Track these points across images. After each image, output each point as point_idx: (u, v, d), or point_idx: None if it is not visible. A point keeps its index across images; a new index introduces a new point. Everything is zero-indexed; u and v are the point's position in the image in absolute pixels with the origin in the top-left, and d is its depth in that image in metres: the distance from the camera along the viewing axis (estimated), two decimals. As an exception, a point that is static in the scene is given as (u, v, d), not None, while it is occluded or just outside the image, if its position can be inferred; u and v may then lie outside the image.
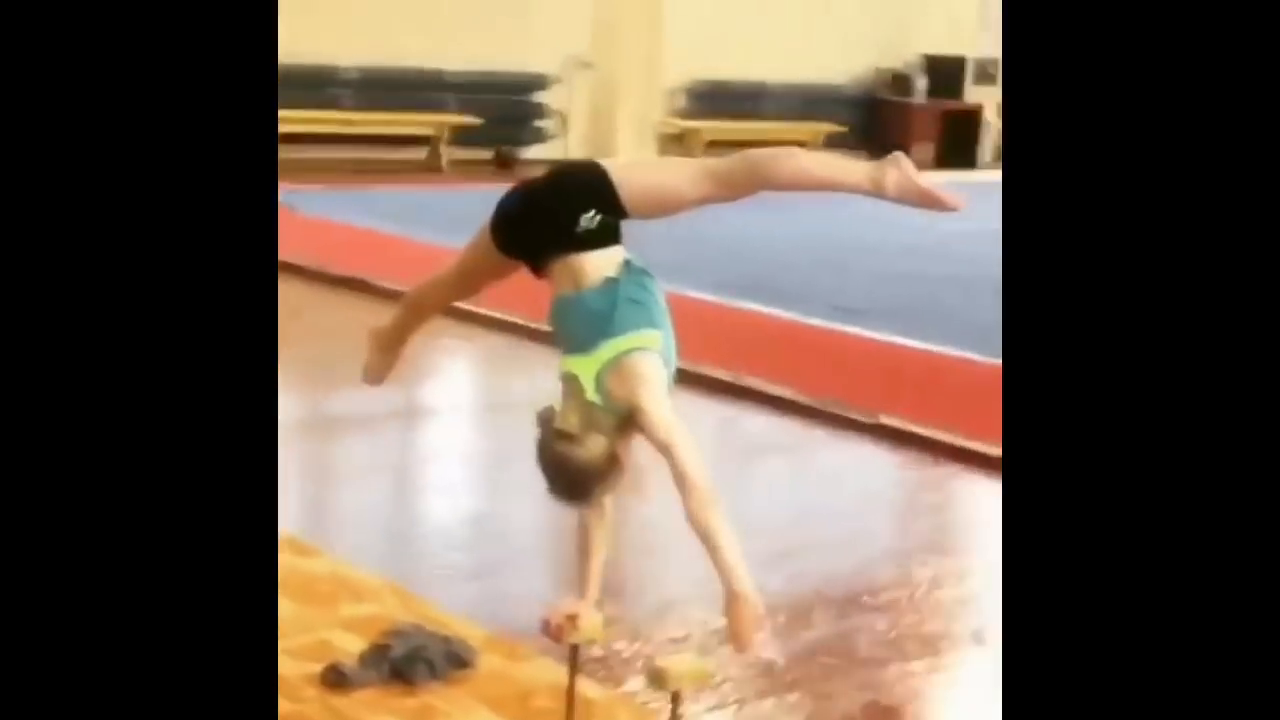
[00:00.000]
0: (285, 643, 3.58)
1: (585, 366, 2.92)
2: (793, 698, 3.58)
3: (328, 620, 3.77)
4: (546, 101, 14.90)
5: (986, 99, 17.19)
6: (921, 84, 16.49)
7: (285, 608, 3.76)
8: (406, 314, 3.52)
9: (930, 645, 3.99)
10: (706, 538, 2.80)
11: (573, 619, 3.04)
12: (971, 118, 16.86)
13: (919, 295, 8.81)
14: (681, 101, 15.74)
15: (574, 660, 3.13)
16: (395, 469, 5.52)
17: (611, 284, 2.97)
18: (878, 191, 2.95)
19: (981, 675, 3.81)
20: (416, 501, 5.20)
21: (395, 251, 9.42)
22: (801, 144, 15.90)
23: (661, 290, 3.05)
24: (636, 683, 3.58)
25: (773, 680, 3.66)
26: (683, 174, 3.11)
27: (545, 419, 2.88)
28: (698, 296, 7.79)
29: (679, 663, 2.99)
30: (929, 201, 2.94)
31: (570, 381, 2.94)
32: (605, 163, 3.13)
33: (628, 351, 2.91)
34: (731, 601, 2.78)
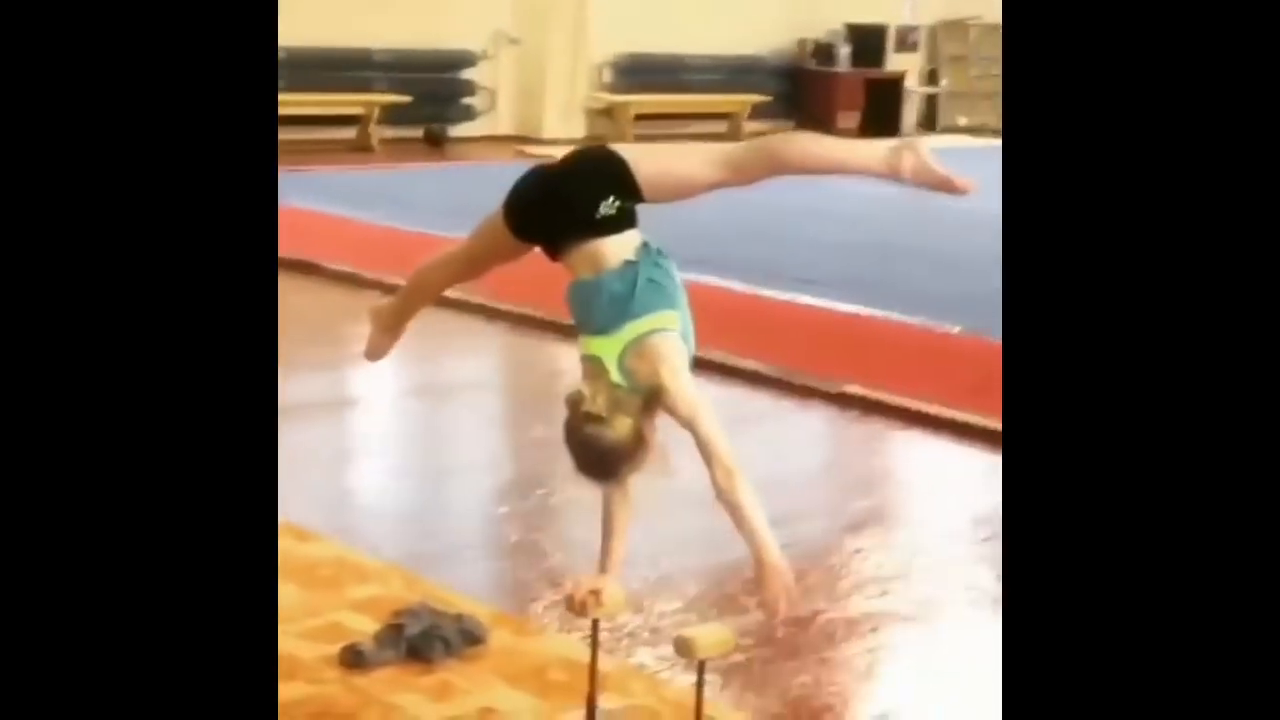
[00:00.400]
0: (296, 626, 3.64)
1: (608, 348, 2.99)
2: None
3: (335, 603, 3.83)
4: (474, 79, 14.88)
5: (908, 66, 17.36)
6: (845, 53, 16.61)
7: (291, 593, 3.82)
8: (410, 294, 3.57)
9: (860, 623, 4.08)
10: (734, 509, 2.89)
11: (596, 593, 3.11)
12: (894, 86, 17.01)
13: (855, 264, 8.94)
14: (608, 76, 15.77)
15: (595, 634, 3.21)
16: (343, 454, 5.55)
17: (631, 266, 3.03)
18: (893, 174, 3.03)
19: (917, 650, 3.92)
20: (374, 484, 5.23)
21: (338, 232, 9.42)
22: (728, 115, 16.04)
23: (677, 271, 3.12)
24: (645, 654, 3.67)
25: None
26: (697, 160, 3.18)
27: (574, 402, 2.95)
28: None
29: (705, 632, 3.07)
30: (944, 185, 3.03)
31: (593, 363, 3.01)
32: (621, 148, 3.19)
33: (649, 332, 2.98)
34: (761, 570, 2.87)
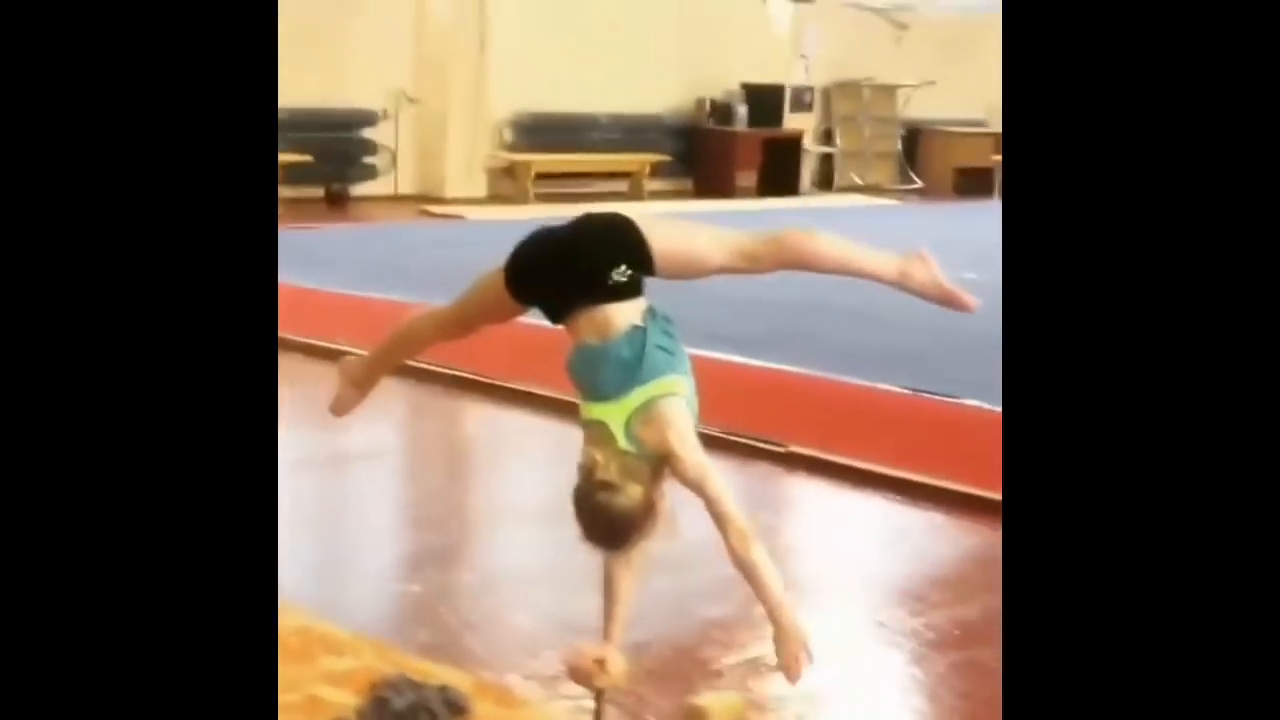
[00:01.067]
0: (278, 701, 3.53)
1: (614, 414, 2.95)
2: None
3: (311, 676, 3.71)
4: (374, 138, 14.80)
5: (804, 126, 17.55)
6: (742, 112, 16.75)
7: (264, 665, 3.70)
8: (389, 349, 3.52)
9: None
10: (750, 573, 2.85)
11: (600, 662, 3.05)
12: (792, 145, 17.18)
13: (782, 321, 8.96)
14: (509, 135, 15.76)
15: (600, 704, 3.15)
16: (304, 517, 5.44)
17: (639, 332, 3.00)
18: (903, 283, 3.07)
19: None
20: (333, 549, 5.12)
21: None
22: (628, 174, 16.09)
23: (681, 336, 3.09)
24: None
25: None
26: (712, 242, 3.17)
27: (586, 469, 2.90)
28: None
29: (716, 700, 3.03)
30: (951, 299, 3.10)
31: (598, 429, 2.96)
32: (634, 217, 3.15)
33: (656, 398, 2.94)
34: (780, 635, 2.83)
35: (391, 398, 7.05)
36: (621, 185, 16.09)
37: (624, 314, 3.02)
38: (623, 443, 2.92)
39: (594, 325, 3.03)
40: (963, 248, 13.29)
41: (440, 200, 14.85)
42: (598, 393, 2.99)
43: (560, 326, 3.15)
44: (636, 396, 2.94)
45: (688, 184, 16.77)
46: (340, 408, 3.60)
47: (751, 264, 3.14)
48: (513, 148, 15.71)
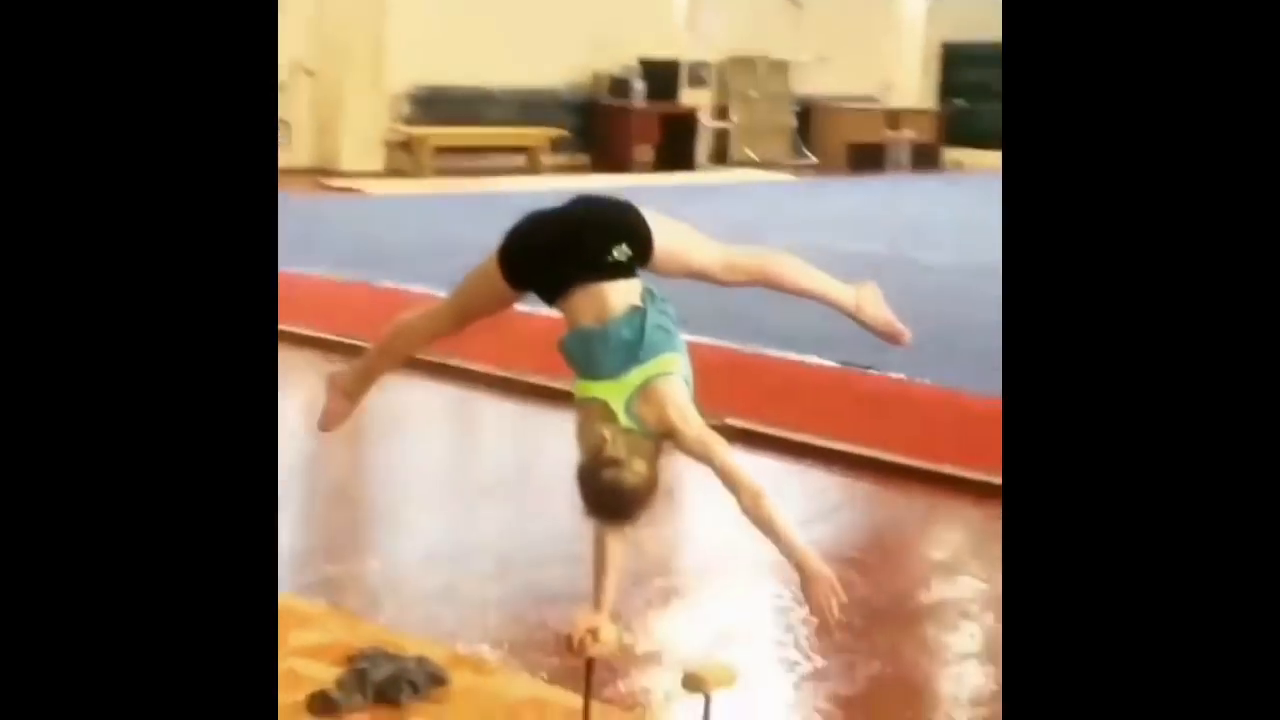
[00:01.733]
0: (253, 674, 3.54)
1: (614, 393, 2.98)
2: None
3: (283, 651, 3.70)
4: (271, 110, 14.62)
5: (700, 101, 17.63)
6: (639, 87, 16.78)
7: (236, 639, 3.71)
8: (379, 356, 3.45)
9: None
10: (768, 528, 2.91)
11: (594, 632, 3.10)
12: (688, 120, 17.25)
13: (719, 300, 9.00)
14: (406, 108, 15.66)
15: (590, 674, 3.19)
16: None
17: (639, 313, 3.03)
18: (854, 313, 3.36)
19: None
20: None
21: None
22: (526, 149, 16.07)
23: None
24: (611, 690, 3.66)
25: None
26: (706, 246, 3.24)
27: (595, 445, 2.92)
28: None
29: (710, 667, 3.09)
30: (891, 334, 3.38)
31: (597, 407, 2.99)
32: (642, 211, 3.18)
33: (655, 377, 2.99)
34: (808, 582, 2.89)
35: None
36: (519, 160, 16.07)
37: (622, 294, 3.05)
38: (624, 421, 2.95)
39: (592, 306, 3.05)
40: (858, 222, 13.51)
41: (337, 173, 14.73)
42: (596, 372, 3.02)
43: (554, 310, 3.16)
44: (636, 375, 2.98)
45: (585, 159, 16.79)
46: (329, 421, 3.51)
47: (730, 275, 3.28)
48: (410, 121, 15.61)
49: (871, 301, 3.41)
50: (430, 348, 3.54)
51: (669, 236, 3.16)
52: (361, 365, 3.48)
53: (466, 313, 3.34)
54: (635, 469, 2.92)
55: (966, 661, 4.08)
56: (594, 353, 3.02)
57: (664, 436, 2.97)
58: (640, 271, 3.13)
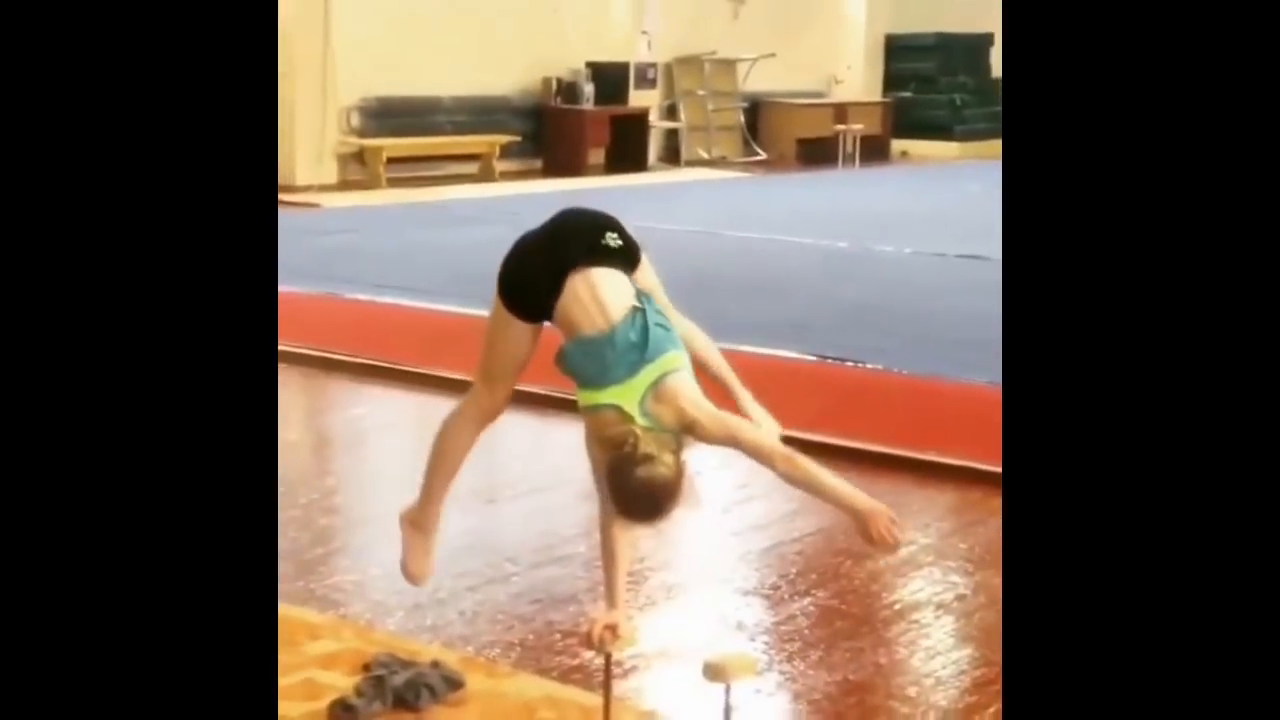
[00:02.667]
0: (271, 686, 3.58)
1: (626, 396, 3.02)
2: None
3: (300, 661, 3.75)
4: (223, 127, 14.58)
5: (649, 102, 17.68)
6: (589, 90, 16.82)
7: (250, 652, 3.74)
8: (433, 474, 3.40)
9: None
10: (809, 485, 3.00)
11: (612, 628, 3.15)
12: (638, 121, 17.29)
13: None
14: (356, 120, 15.64)
15: (609, 670, 3.25)
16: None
17: (639, 314, 3.09)
18: (862, 528, 2.98)
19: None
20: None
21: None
22: (478, 156, 16.09)
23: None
24: (622, 687, 3.71)
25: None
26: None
27: (627, 443, 2.97)
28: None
29: (731, 656, 3.15)
30: (886, 548, 3.08)
31: (610, 412, 3.03)
32: None
33: (664, 374, 3.04)
34: (864, 520, 2.95)
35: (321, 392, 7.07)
36: (472, 167, 16.08)
37: (621, 293, 3.11)
38: (641, 421, 3.00)
39: (592, 311, 3.09)
40: (815, 216, 13.60)
41: (292, 188, 14.69)
42: (606, 379, 3.05)
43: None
44: (646, 375, 3.03)
45: (537, 164, 16.81)
46: (416, 566, 3.47)
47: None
48: (361, 133, 15.60)
49: (882, 525, 2.99)
50: (478, 437, 3.42)
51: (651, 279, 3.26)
52: (423, 493, 3.46)
53: (495, 373, 3.32)
54: (666, 462, 2.97)
55: (969, 644, 4.15)
56: (603, 359, 3.05)
57: (683, 431, 3.02)
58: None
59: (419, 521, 3.44)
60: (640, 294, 3.15)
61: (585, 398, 3.10)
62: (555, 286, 3.14)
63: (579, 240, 3.16)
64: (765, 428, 3.22)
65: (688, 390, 3.05)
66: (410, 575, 3.49)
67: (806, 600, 4.42)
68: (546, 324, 3.25)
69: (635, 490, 2.98)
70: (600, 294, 3.12)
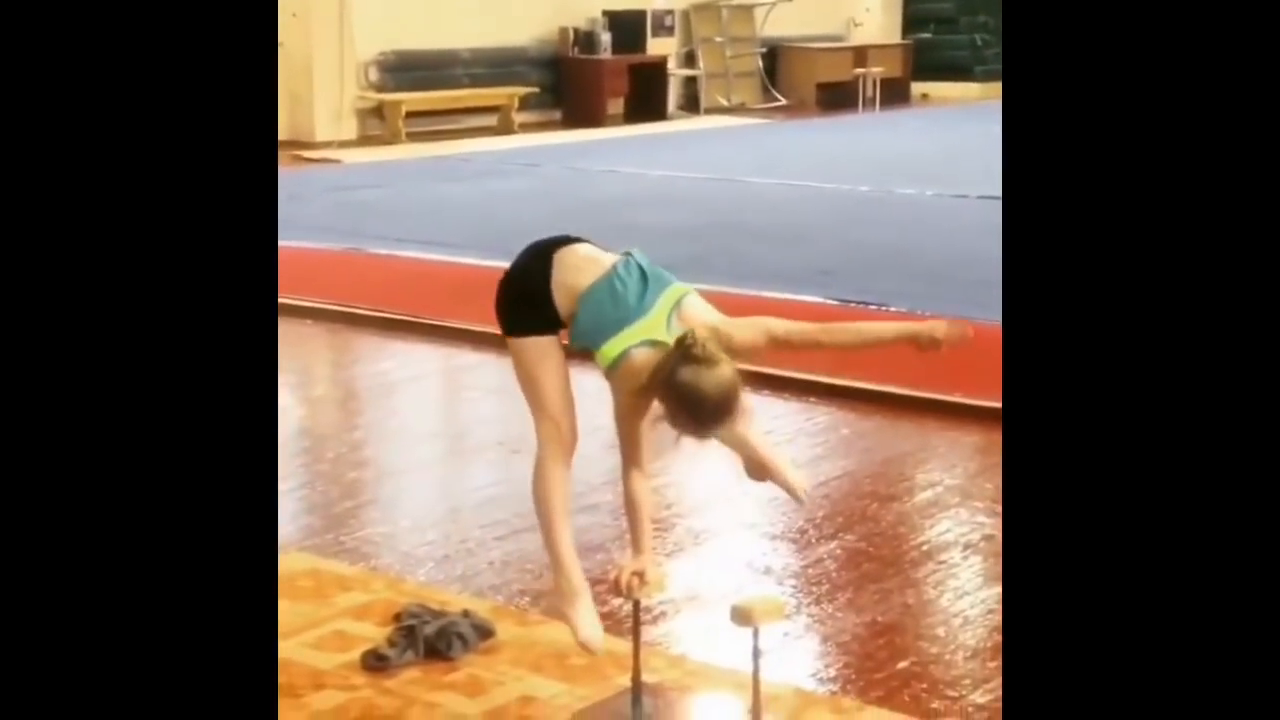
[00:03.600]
0: (303, 639, 3.63)
1: (652, 327, 3.05)
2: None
3: (330, 613, 3.80)
4: (241, 85, 14.58)
5: (667, 50, 17.61)
6: (606, 39, 16.75)
7: (283, 607, 3.76)
8: (554, 531, 3.30)
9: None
10: (850, 342, 3.26)
11: (639, 575, 3.17)
12: (657, 70, 17.23)
13: (694, 245, 9.06)
14: (374, 75, 15.62)
15: (637, 616, 3.27)
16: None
17: (629, 257, 3.15)
18: (929, 341, 3.07)
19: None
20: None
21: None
22: (497, 108, 16.06)
23: None
24: (651, 633, 3.73)
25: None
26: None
27: (691, 343, 2.96)
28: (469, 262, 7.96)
29: (759, 600, 3.16)
30: (957, 339, 3.09)
31: (640, 351, 3.04)
32: None
33: (679, 300, 3.09)
34: (918, 338, 3.08)
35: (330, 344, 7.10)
36: (491, 120, 16.05)
37: (598, 255, 3.20)
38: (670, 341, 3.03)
39: (585, 267, 3.16)
40: (836, 160, 13.55)
41: (312, 145, 14.71)
42: (625, 317, 3.05)
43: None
44: (664, 303, 3.07)
45: (556, 115, 16.77)
46: (589, 632, 3.26)
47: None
48: (380, 88, 15.58)
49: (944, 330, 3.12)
50: (569, 471, 3.32)
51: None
52: (553, 558, 3.32)
53: (548, 405, 3.25)
54: (728, 360, 2.99)
55: (997, 584, 4.16)
56: (615, 296, 3.09)
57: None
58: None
59: (565, 590, 3.28)
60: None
61: (609, 350, 3.10)
62: (545, 270, 3.18)
63: (549, 242, 3.26)
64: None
65: (704, 307, 3.13)
66: (590, 644, 3.26)
67: (834, 543, 4.43)
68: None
69: (702, 395, 2.95)
70: (587, 253, 3.21)
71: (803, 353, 3.21)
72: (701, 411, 2.99)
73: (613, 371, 3.13)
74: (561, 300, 3.18)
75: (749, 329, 3.07)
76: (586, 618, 3.25)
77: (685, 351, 2.97)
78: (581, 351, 3.23)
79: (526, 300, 3.22)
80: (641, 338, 3.06)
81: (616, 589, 3.20)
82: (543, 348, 3.23)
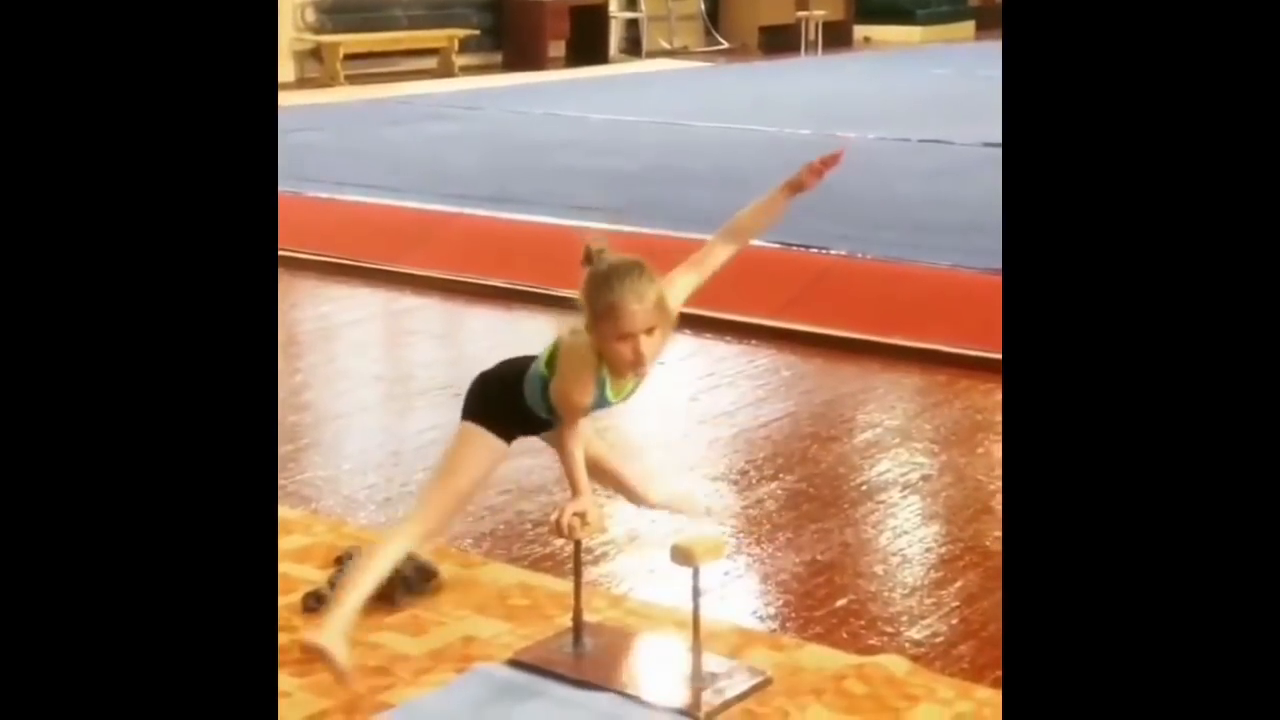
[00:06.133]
0: (245, 581, 3.62)
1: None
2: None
3: (272, 555, 3.79)
4: (177, 26, 14.40)
5: (609, -7, 17.51)
6: (548, -18, 16.63)
7: (223, 549, 3.78)
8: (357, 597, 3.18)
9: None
10: (761, 217, 3.39)
11: (580, 515, 3.18)
12: (598, 13, 17.13)
13: (636, 189, 9.05)
14: (311, 16, 15.47)
15: (578, 557, 3.29)
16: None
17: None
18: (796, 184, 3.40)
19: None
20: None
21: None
22: (436, 51, 15.93)
23: None
24: (593, 573, 3.75)
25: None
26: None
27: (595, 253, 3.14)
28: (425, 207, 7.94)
29: (699, 540, 3.18)
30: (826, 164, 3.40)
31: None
32: None
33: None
34: (800, 179, 3.34)
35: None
36: (431, 63, 15.94)
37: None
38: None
39: None
40: (778, 104, 13.53)
41: (250, 87, 14.57)
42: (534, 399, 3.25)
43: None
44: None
45: (497, 58, 16.66)
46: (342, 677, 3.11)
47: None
48: (317, 30, 15.43)
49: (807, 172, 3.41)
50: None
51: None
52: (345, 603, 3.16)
53: (462, 493, 3.32)
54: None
55: (935, 522, 4.21)
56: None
57: None
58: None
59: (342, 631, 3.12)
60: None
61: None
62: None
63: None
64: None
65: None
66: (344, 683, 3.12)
67: (774, 484, 4.46)
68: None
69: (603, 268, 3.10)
70: None
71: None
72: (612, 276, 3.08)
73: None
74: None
75: (677, 293, 3.18)
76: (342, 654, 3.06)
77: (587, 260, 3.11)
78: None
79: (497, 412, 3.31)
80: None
81: (558, 530, 3.21)
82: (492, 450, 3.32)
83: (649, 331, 3.06)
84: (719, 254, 3.30)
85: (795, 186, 3.37)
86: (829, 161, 3.36)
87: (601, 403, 3.17)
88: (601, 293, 3.06)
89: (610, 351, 3.07)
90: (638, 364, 3.07)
